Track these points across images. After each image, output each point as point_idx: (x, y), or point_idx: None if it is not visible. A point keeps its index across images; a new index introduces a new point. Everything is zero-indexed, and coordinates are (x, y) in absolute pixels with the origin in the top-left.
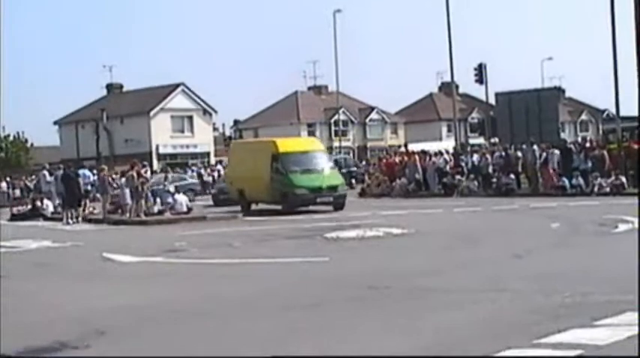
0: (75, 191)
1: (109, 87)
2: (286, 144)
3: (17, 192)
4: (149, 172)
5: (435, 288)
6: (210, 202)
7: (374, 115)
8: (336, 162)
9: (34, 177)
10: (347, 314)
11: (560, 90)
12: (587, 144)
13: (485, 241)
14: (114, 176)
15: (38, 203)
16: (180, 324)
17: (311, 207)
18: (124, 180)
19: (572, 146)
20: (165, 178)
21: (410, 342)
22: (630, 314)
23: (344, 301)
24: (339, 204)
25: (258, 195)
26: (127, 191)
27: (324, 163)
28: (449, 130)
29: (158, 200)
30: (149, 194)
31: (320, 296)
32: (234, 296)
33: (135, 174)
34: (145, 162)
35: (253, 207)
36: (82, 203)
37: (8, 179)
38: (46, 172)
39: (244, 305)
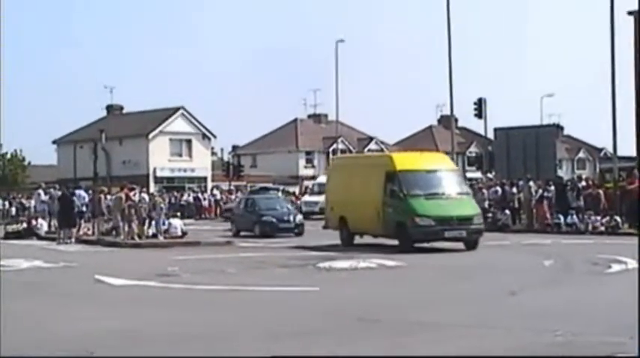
0: (69, 211)
1: (109, 108)
2: (406, 160)
3: (13, 210)
4: (142, 195)
5: (424, 322)
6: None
7: (372, 145)
8: None
9: (31, 195)
10: (334, 345)
11: (558, 128)
12: (583, 183)
13: (478, 276)
14: (107, 197)
15: (33, 222)
16: (168, 349)
17: (436, 244)
18: (112, 202)
19: (568, 184)
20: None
21: None
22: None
23: (332, 332)
24: (472, 242)
25: (365, 225)
26: (119, 213)
27: (455, 186)
28: None
29: (153, 223)
30: (144, 216)
31: (308, 326)
32: (223, 322)
33: (123, 196)
34: (135, 185)
35: (358, 240)
36: (77, 224)
37: (4, 197)
38: (41, 191)
39: (232, 332)
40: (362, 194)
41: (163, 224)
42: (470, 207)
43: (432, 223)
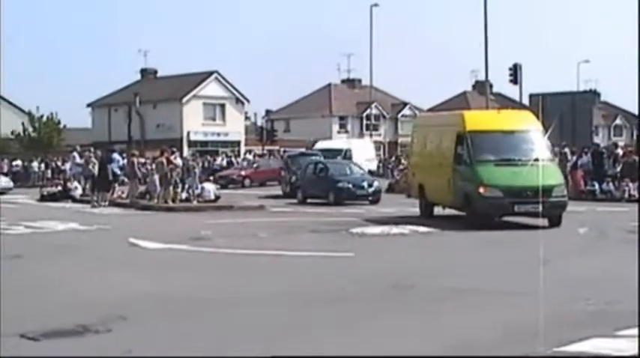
0: (104, 175)
1: (144, 72)
2: (479, 119)
3: (49, 172)
4: (179, 159)
5: (458, 289)
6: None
7: (406, 111)
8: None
9: (67, 158)
10: (368, 312)
11: (595, 94)
12: (619, 151)
13: (512, 243)
14: (142, 161)
15: (68, 184)
16: (201, 313)
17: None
18: (153, 166)
19: (604, 150)
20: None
21: (429, 343)
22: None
23: (366, 298)
24: (554, 218)
25: (438, 195)
26: (157, 177)
27: (536, 150)
28: None
29: (186, 187)
30: (178, 181)
31: (342, 293)
32: (256, 287)
33: (164, 161)
34: (175, 149)
35: (439, 211)
36: (112, 187)
37: (39, 159)
38: (76, 154)
39: (266, 297)
40: (436, 159)
41: (196, 188)
42: (550, 176)
43: (500, 195)
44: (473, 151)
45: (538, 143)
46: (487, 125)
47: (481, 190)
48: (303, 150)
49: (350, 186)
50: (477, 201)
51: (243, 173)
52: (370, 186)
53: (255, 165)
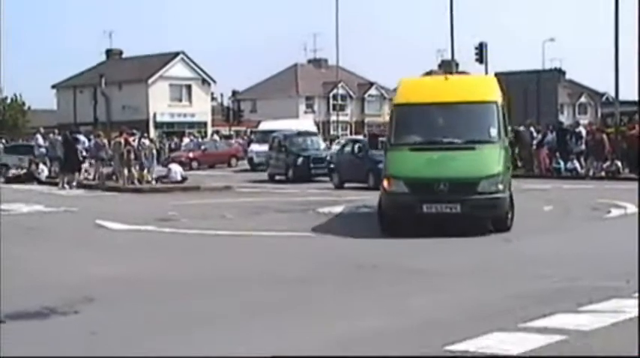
0: (73, 157)
1: (109, 52)
2: (413, 89)
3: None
4: (143, 140)
5: (422, 269)
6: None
7: (373, 91)
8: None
9: (31, 140)
10: (333, 292)
11: (560, 72)
12: (581, 129)
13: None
14: (105, 141)
15: (34, 166)
16: (168, 294)
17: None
18: (112, 146)
19: (567, 128)
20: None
21: (393, 323)
22: (616, 301)
23: (330, 278)
24: (499, 221)
25: None
26: (118, 157)
27: (475, 130)
28: None
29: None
30: (145, 162)
31: (307, 273)
32: (222, 268)
33: (122, 141)
34: (134, 130)
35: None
36: (80, 168)
37: (4, 141)
38: (38, 136)
39: (232, 278)
40: None
41: (153, 170)
42: (481, 165)
43: (405, 190)
44: (393, 131)
45: (489, 119)
46: (420, 96)
47: (385, 184)
48: (304, 129)
49: None
50: (382, 197)
51: (190, 155)
52: None
53: (203, 148)
